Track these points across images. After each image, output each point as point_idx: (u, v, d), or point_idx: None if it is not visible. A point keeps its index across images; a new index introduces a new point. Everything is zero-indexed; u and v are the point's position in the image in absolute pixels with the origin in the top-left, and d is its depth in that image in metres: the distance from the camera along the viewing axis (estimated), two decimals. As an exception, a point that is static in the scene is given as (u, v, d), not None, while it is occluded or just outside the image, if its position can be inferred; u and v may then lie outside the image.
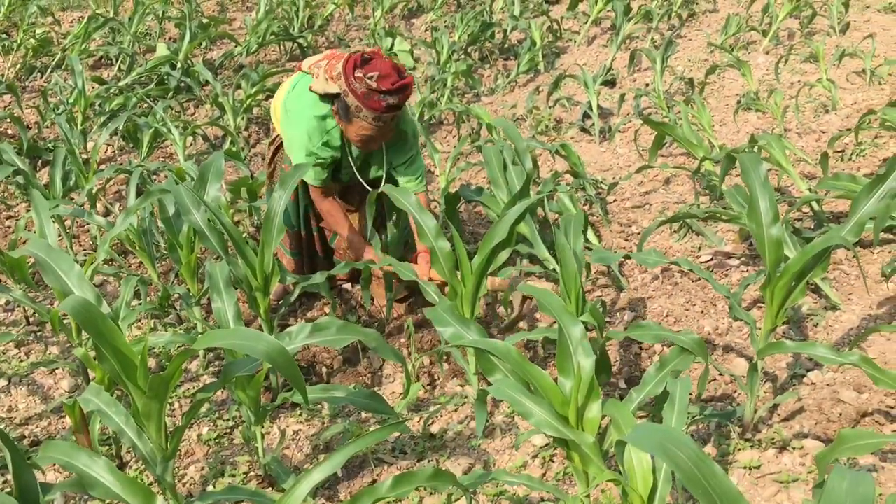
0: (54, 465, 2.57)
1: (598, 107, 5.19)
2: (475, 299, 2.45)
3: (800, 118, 4.71)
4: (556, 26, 6.90)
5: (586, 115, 5.26)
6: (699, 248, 3.48)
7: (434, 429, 2.66)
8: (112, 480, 1.63)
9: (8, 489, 2.46)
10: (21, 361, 3.29)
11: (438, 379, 2.90)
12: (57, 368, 3.20)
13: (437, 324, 2.15)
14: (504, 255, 2.54)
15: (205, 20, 7.05)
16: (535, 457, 2.43)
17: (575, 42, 6.97)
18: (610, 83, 5.98)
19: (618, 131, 4.97)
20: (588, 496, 1.86)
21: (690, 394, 2.49)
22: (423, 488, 2.32)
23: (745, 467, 2.19)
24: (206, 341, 1.73)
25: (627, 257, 2.55)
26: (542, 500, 2.25)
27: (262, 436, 2.42)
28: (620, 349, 2.85)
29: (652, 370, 1.98)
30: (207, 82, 5.73)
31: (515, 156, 3.11)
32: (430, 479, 1.67)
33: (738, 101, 5.12)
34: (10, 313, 3.69)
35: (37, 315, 3.56)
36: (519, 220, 2.38)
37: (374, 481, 2.42)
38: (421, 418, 2.68)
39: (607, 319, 3.07)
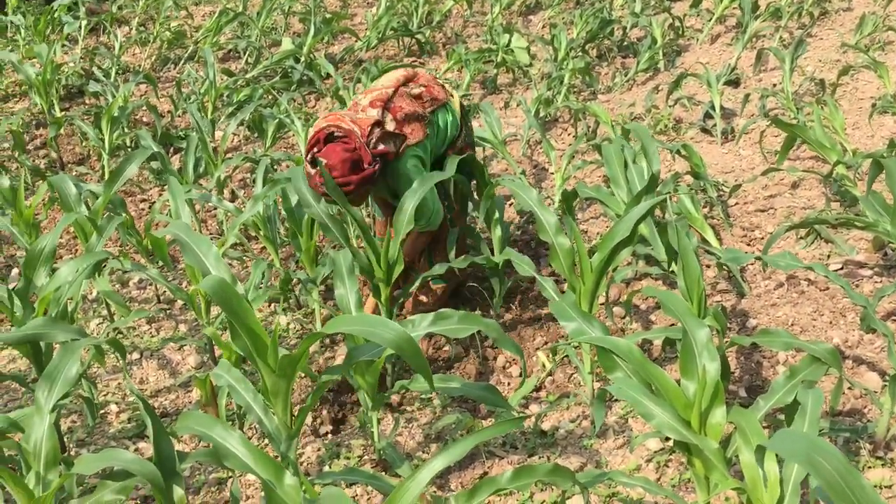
0: (182, 436, 2.71)
1: (721, 107, 5.03)
2: (594, 297, 2.42)
3: (943, 123, 4.44)
4: (677, 23, 6.73)
5: (708, 116, 5.12)
6: (828, 256, 3.33)
7: (545, 426, 2.65)
8: (245, 453, 1.70)
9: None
10: (152, 337, 3.48)
11: (552, 375, 2.89)
12: (185, 345, 3.37)
13: (560, 318, 2.14)
14: (625, 254, 2.51)
15: (328, 15, 7.23)
16: (649, 461, 2.39)
17: (697, 40, 6.78)
18: (734, 83, 5.79)
19: (743, 132, 4.81)
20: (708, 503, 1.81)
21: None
22: (538, 487, 2.33)
23: (875, 486, 2.09)
24: (333, 326, 1.78)
25: (759, 258, 2.46)
26: (656, 504, 2.21)
27: (378, 421, 2.47)
28: (740, 357, 2.76)
29: (781, 379, 1.91)
30: (329, 75, 5.89)
31: (636, 154, 3.06)
32: (549, 474, 1.67)
33: (874, 105, 4.86)
34: (142, 291, 3.90)
35: (167, 293, 3.76)
36: (642, 218, 2.34)
37: (484, 473, 2.44)
38: (532, 414, 2.68)
39: (727, 325, 2.98)
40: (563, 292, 2.49)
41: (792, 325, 2.89)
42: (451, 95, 3.10)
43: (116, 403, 3.05)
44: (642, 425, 2.53)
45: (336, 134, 2.71)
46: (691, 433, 1.70)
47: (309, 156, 2.73)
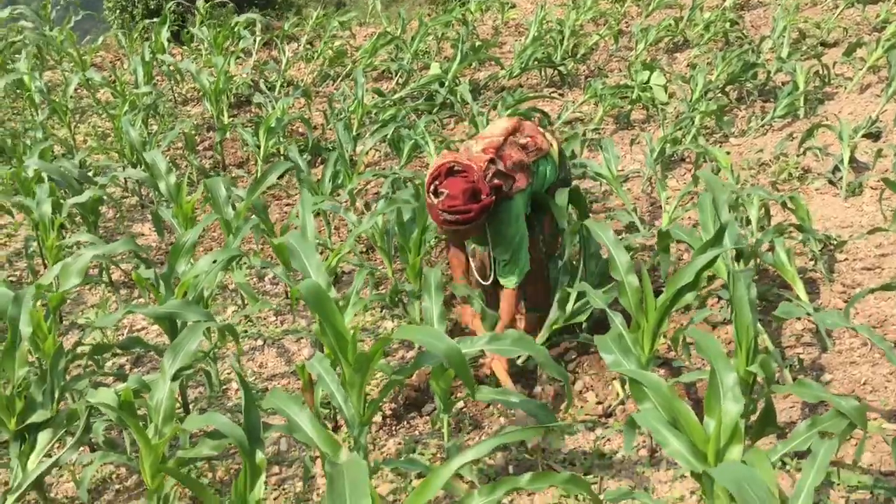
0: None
1: (853, 160, 4.98)
2: (656, 333, 2.61)
3: None
4: (824, 71, 6.62)
5: (837, 168, 5.07)
6: (925, 322, 3.32)
7: (606, 449, 2.85)
8: (311, 429, 2.05)
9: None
10: (276, 328, 3.94)
11: (623, 403, 3.08)
12: (302, 338, 3.79)
13: (601, 350, 2.35)
14: (689, 298, 2.67)
15: (478, 43, 7.62)
16: (693, 492, 2.55)
17: (846, 88, 6.65)
18: (874, 136, 5.67)
19: (868, 188, 4.76)
20: (719, 533, 1.98)
21: (864, 464, 2.49)
22: (565, 497, 2.55)
23: (902, 545, 2.17)
24: (400, 334, 2.10)
25: (808, 314, 2.56)
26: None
27: (449, 423, 2.76)
28: (805, 407, 2.85)
29: (803, 427, 2.05)
30: (467, 102, 6.25)
31: (742, 202, 3.18)
32: (567, 483, 1.90)
33: None
34: (274, 286, 4.40)
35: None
36: (707, 265, 2.51)
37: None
38: (596, 437, 2.89)
39: (802, 376, 3.06)
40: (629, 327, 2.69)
41: (864, 383, 2.93)
42: (552, 144, 3.36)
43: (237, 382, 3.51)
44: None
45: (456, 168, 3.00)
46: (703, 464, 1.89)
47: (432, 187, 2.99)
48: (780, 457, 2.01)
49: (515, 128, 3.27)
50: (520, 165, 3.13)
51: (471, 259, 3.42)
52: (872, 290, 2.90)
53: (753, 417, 2.49)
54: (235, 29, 7.93)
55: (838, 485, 2.43)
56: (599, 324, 3.51)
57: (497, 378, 3.02)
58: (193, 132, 6.22)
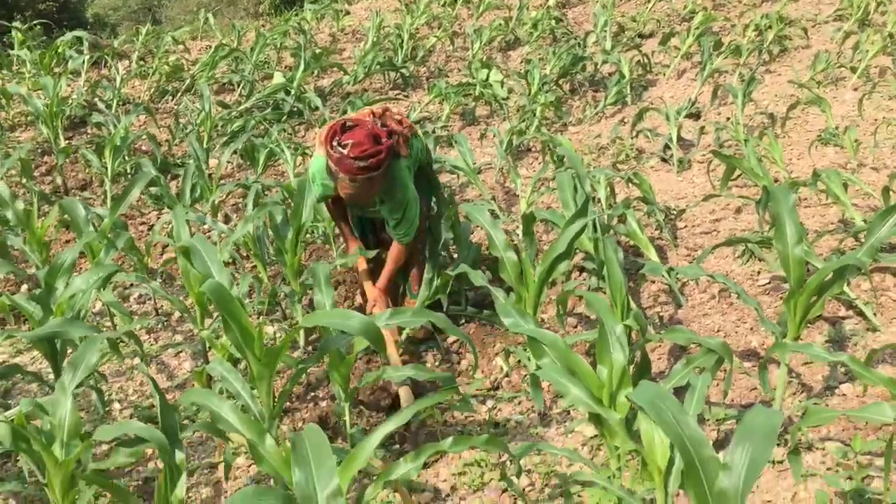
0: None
1: (680, 138, 5.46)
2: (536, 304, 2.80)
3: (876, 154, 4.87)
4: (645, 60, 7.19)
5: (667, 147, 5.54)
6: (758, 273, 3.73)
7: (499, 417, 3.02)
8: (235, 418, 2.07)
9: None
10: (151, 345, 3.84)
11: (508, 376, 3.26)
12: (182, 351, 3.73)
13: (502, 315, 2.50)
14: (563, 267, 2.89)
15: (317, 51, 7.67)
16: (584, 444, 2.76)
17: (665, 75, 7.24)
18: (694, 116, 6.23)
19: (696, 162, 5.23)
20: (619, 469, 2.19)
21: (728, 400, 2.79)
22: (485, 466, 2.70)
23: (769, 462, 2.46)
24: (309, 321, 2.16)
25: (671, 269, 2.85)
26: (587, 482, 2.58)
27: (351, 412, 2.84)
28: (670, 357, 3.15)
29: (679, 366, 2.30)
30: (317, 107, 6.30)
31: (578, 180, 3.46)
32: (485, 444, 2.04)
33: (819, 136, 5.30)
34: (141, 305, 4.28)
35: (164, 307, 4.13)
36: (577, 235, 2.73)
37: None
38: (488, 409, 3.06)
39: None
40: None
41: (718, 331, 3.27)
42: (416, 129, 3.52)
43: (119, 401, 3.40)
44: (583, 417, 2.90)
45: (348, 124, 3.07)
46: (600, 407, 2.08)
47: (334, 143, 3.01)
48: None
49: (386, 109, 3.39)
50: (399, 133, 3.25)
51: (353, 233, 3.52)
52: (715, 247, 3.24)
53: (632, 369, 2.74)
54: (60, 49, 7.55)
55: (709, 419, 2.71)
56: (476, 305, 3.70)
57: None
58: (29, 158, 5.90)
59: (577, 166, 3.46)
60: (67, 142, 6.20)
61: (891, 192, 3.76)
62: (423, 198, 3.49)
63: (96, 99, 6.89)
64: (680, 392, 2.30)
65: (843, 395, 2.76)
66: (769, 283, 3.63)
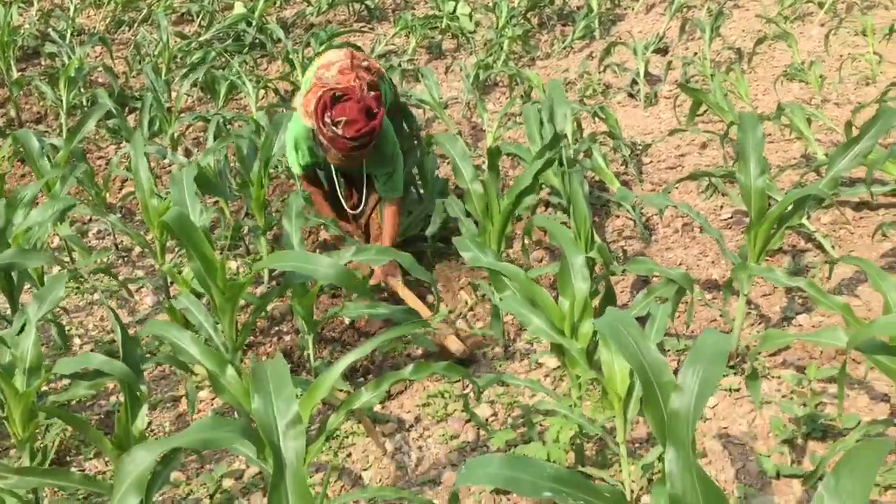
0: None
1: (647, 73, 5.43)
2: (501, 236, 2.80)
3: (840, 89, 4.88)
4: (614, -7, 7.09)
5: (634, 82, 5.51)
6: (721, 207, 3.75)
7: (463, 351, 3.04)
8: (196, 350, 2.06)
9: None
10: (111, 281, 3.79)
11: (472, 310, 3.28)
12: (143, 287, 3.68)
13: (460, 249, 2.49)
14: (529, 201, 2.89)
15: (280, -20, 7.45)
16: (547, 376, 2.80)
17: (633, 10, 7.16)
18: (662, 51, 6.18)
19: (662, 97, 5.21)
20: (580, 398, 2.22)
21: (689, 332, 2.83)
22: (448, 398, 2.73)
23: (726, 389, 2.52)
24: (271, 261, 2.14)
25: (637, 197, 2.86)
26: (549, 411, 2.62)
27: (315, 345, 2.83)
28: (633, 291, 3.18)
29: (640, 297, 2.32)
30: (279, 39, 6.14)
31: (550, 114, 3.43)
32: (445, 370, 2.05)
33: (785, 72, 5.29)
34: (100, 241, 4.21)
35: (123, 242, 4.07)
36: (543, 169, 2.72)
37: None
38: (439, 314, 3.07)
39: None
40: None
41: (680, 264, 3.31)
42: (382, 68, 3.46)
43: (80, 336, 3.37)
44: (546, 349, 2.93)
45: (337, 94, 2.98)
46: (561, 337, 2.10)
47: (326, 119, 2.94)
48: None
49: (352, 54, 3.32)
50: (372, 85, 3.20)
51: (339, 192, 3.47)
52: (679, 181, 3.25)
53: (596, 302, 2.76)
54: (10, -25, 7.24)
55: (669, 350, 2.75)
56: (441, 240, 3.69)
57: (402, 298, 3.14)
58: (-21, 90, 5.71)
59: (557, 99, 3.43)
60: (20, 73, 6.00)
61: (853, 127, 3.78)
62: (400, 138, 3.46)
63: (49, 29, 6.65)
64: (641, 323, 2.32)
65: (800, 325, 2.81)
66: (731, 217, 3.66)
